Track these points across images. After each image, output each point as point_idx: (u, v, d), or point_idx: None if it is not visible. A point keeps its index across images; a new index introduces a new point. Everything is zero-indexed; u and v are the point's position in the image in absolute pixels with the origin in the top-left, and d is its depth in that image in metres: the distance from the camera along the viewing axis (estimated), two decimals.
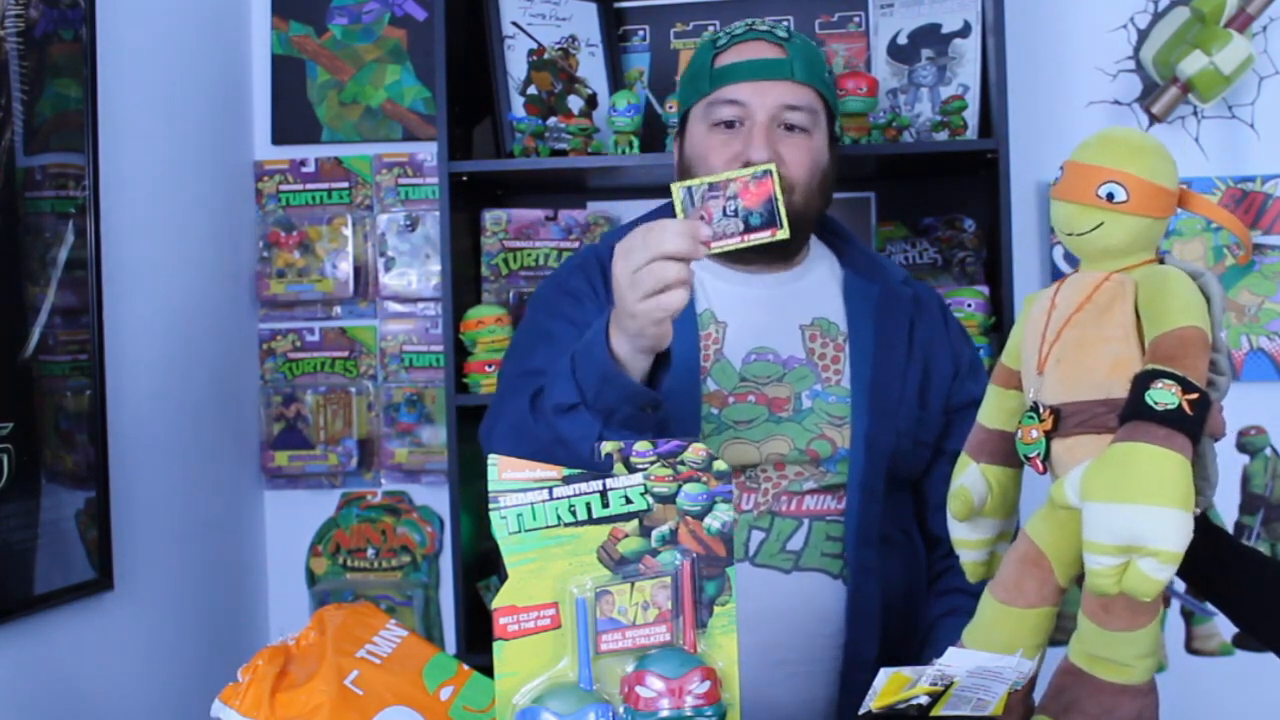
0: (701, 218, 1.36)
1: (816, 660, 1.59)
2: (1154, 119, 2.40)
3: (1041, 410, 1.16)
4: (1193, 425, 1.04)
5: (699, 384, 1.61)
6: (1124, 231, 1.16)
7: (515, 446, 1.45)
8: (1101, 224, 1.15)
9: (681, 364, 1.59)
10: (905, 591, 1.65)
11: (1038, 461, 1.17)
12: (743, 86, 1.61)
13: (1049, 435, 1.15)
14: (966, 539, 1.30)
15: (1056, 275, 2.11)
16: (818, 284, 1.70)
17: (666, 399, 1.56)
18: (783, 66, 1.61)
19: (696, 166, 1.63)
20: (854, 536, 1.59)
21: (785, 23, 2.48)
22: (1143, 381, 1.06)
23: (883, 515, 1.61)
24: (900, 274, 1.75)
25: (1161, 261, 1.19)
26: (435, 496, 2.59)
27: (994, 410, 1.28)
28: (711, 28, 2.50)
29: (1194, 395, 1.04)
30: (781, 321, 1.66)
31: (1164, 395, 1.04)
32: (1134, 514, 1.01)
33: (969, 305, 2.24)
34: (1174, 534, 1.01)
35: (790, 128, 1.61)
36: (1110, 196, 1.15)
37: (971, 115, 2.29)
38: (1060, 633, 1.23)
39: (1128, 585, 1.03)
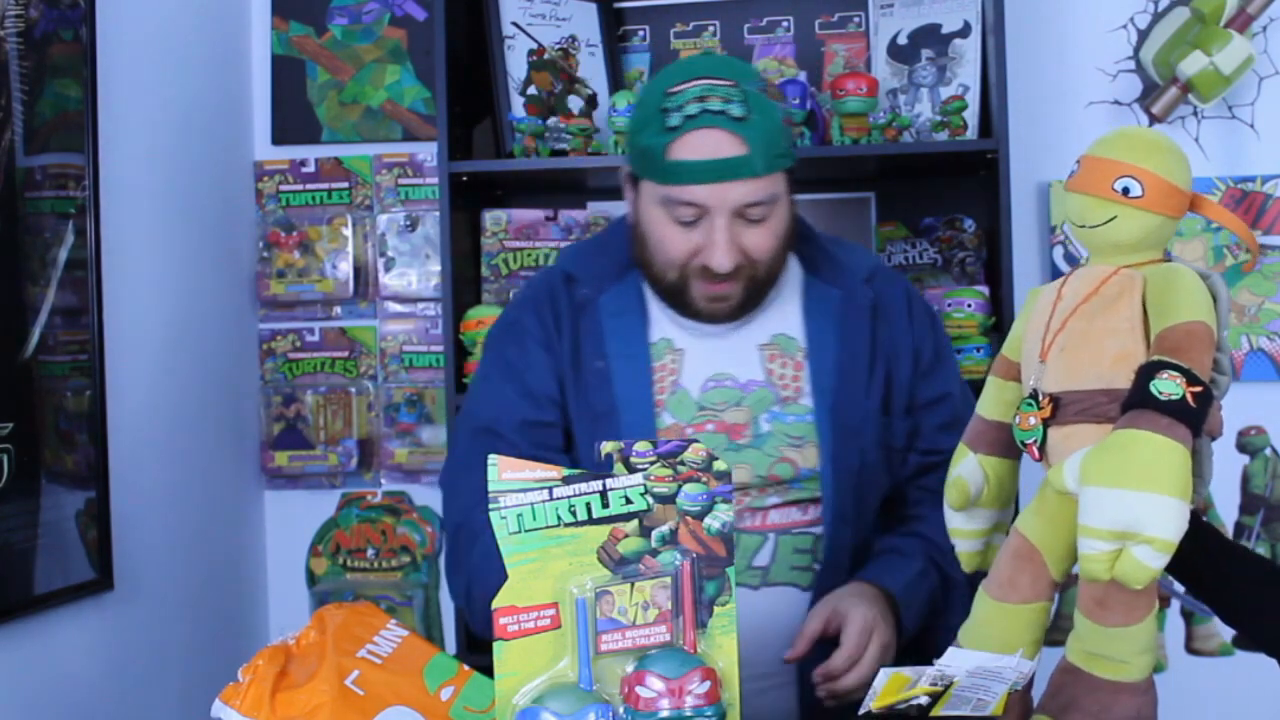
0: None
1: (785, 673, 1.57)
2: (1154, 119, 2.40)
3: (1040, 398, 1.16)
4: (1195, 417, 1.05)
5: (653, 420, 1.59)
6: (1136, 226, 1.17)
7: (462, 597, 1.61)
8: (1115, 218, 1.16)
9: (634, 403, 1.59)
10: None
11: (1034, 448, 1.17)
12: (700, 190, 1.50)
13: (1046, 423, 1.16)
14: (963, 529, 1.31)
15: (1056, 275, 2.11)
16: (776, 298, 1.65)
17: (619, 437, 1.58)
18: (743, 165, 1.50)
19: (654, 247, 1.58)
20: (825, 558, 1.59)
21: (785, 22, 2.48)
22: (1148, 371, 1.07)
23: (854, 537, 1.61)
24: (864, 269, 1.69)
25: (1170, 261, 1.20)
26: (435, 497, 2.59)
27: (993, 402, 1.29)
28: (712, 28, 2.50)
29: (1198, 388, 1.05)
30: (740, 344, 1.63)
31: (1169, 385, 1.05)
32: (1132, 500, 1.02)
33: (969, 305, 2.24)
34: (1170, 522, 1.02)
35: (752, 219, 1.54)
36: (1126, 191, 1.16)
37: (971, 115, 2.29)
38: (1058, 633, 1.23)
39: (1120, 572, 1.04)
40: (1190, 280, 1.13)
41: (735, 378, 1.62)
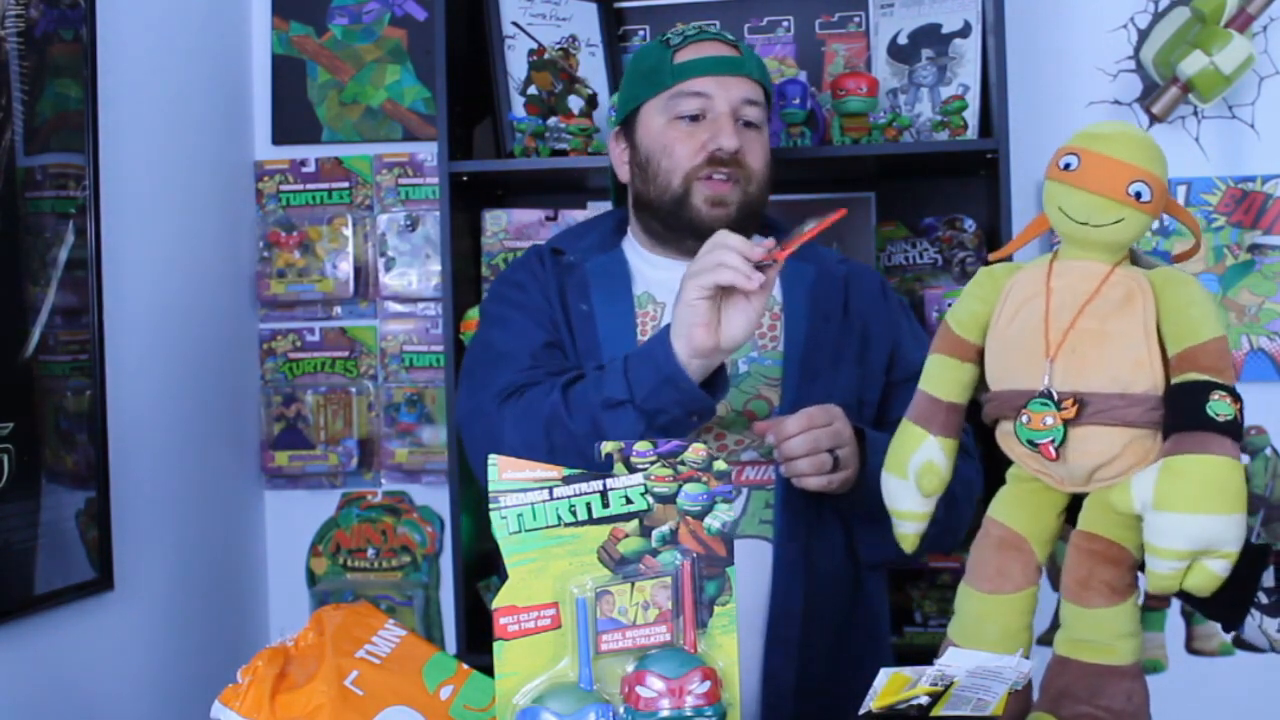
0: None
1: (750, 622, 1.60)
2: (1154, 119, 2.40)
3: (1058, 397, 1.16)
4: (1242, 431, 1.14)
5: None
6: (1138, 228, 1.19)
7: (541, 437, 1.52)
8: (1122, 219, 1.18)
9: (616, 343, 1.65)
10: (836, 557, 1.67)
11: (1050, 448, 1.16)
12: (705, 80, 1.68)
13: (1068, 424, 1.16)
14: (914, 511, 1.28)
15: None
16: None
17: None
18: (741, 63, 1.71)
19: (659, 158, 1.70)
20: (780, 498, 1.62)
21: (786, 22, 2.49)
22: (1199, 393, 1.13)
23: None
24: (836, 256, 1.83)
25: (1135, 260, 1.23)
26: (435, 496, 2.59)
27: (948, 382, 1.27)
28: (712, 28, 2.49)
29: (1239, 403, 1.14)
30: None
31: (1223, 407, 1.12)
32: (1211, 523, 1.11)
33: None
34: (1240, 536, 1.12)
35: (747, 124, 1.69)
36: (1138, 195, 1.18)
37: (971, 115, 2.29)
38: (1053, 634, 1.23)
39: (1191, 583, 1.11)
40: (1203, 292, 1.17)
41: None
